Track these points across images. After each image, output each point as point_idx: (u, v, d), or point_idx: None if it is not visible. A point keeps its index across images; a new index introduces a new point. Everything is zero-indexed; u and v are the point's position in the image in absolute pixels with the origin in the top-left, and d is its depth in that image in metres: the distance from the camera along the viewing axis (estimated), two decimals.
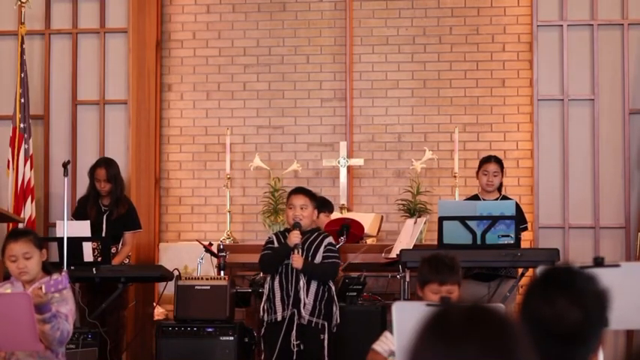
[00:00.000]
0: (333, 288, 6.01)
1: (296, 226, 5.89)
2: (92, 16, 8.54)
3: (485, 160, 7.13)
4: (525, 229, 7.35)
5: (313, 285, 5.88)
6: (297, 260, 5.82)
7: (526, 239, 7.78)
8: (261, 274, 6.63)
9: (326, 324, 5.88)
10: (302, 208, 5.93)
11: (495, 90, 8.37)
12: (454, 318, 1.62)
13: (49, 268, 4.69)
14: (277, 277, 5.92)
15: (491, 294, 6.74)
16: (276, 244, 5.99)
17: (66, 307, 4.48)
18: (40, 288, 4.28)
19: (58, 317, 4.38)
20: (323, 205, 7.19)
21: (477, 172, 7.17)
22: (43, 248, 4.65)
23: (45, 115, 8.44)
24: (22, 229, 5.88)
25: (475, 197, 7.14)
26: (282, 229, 6.38)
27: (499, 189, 7.15)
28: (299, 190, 6.11)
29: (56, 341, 4.42)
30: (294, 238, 5.85)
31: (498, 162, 7.10)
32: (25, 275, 4.54)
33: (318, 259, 5.92)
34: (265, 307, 5.94)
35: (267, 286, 5.98)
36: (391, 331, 4.19)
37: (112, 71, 8.48)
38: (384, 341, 4.40)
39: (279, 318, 5.85)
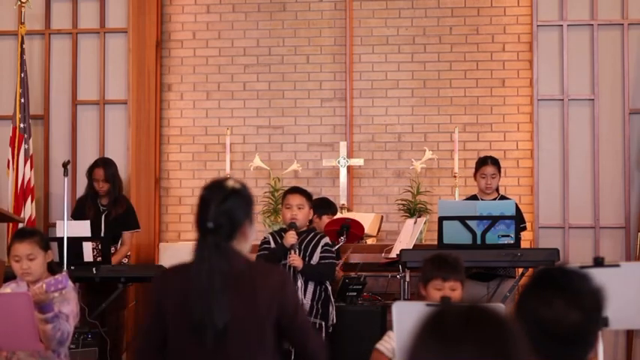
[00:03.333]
0: (330, 288, 6.00)
1: (291, 226, 5.85)
2: (92, 16, 8.54)
3: (482, 163, 7.11)
4: (524, 228, 7.35)
5: (310, 285, 5.87)
6: (296, 260, 5.80)
7: (526, 239, 7.78)
8: None
9: (323, 324, 5.88)
10: (299, 208, 5.91)
11: (495, 90, 8.37)
12: (452, 318, 1.62)
13: (54, 268, 4.70)
14: None
15: (490, 294, 6.74)
16: (272, 244, 5.95)
17: (67, 308, 4.48)
18: (41, 286, 4.28)
19: (59, 318, 4.38)
20: (326, 206, 7.18)
21: (475, 174, 7.17)
22: (48, 249, 4.64)
23: (45, 115, 8.45)
24: (28, 228, 5.86)
25: (474, 197, 7.14)
26: (277, 229, 6.36)
27: (497, 189, 7.16)
28: (295, 190, 6.07)
29: (55, 341, 4.41)
30: (291, 238, 5.81)
31: (495, 164, 7.09)
32: (28, 276, 4.55)
33: (315, 259, 5.90)
34: None
35: None
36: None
37: (112, 71, 8.49)
38: (387, 341, 4.40)
39: None
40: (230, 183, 3.43)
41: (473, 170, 7.28)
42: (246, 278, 3.20)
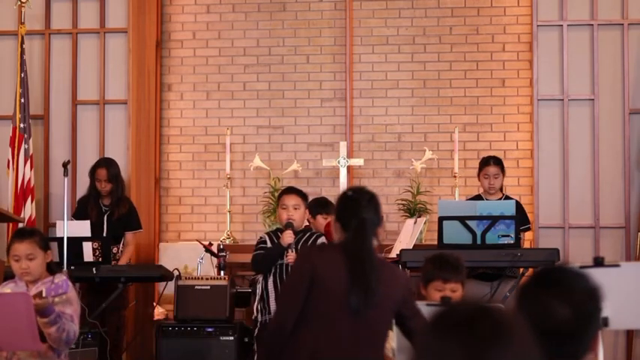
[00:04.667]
0: None
1: (288, 225, 5.82)
2: (92, 16, 8.54)
3: (485, 164, 7.11)
4: (528, 229, 7.35)
5: None
6: (293, 258, 5.77)
7: (526, 239, 7.79)
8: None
9: None
10: (295, 208, 5.88)
11: (495, 90, 8.37)
12: (456, 319, 1.62)
13: (53, 268, 4.70)
14: (270, 277, 5.85)
15: (492, 294, 6.74)
16: (268, 244, 5.92)
17: (70, 308, 4.48)
18: (41, 292, 4.28)
19: (62, 318, 4.38)
20: (320, 206, 7.12)
21: (478, 174, 7.17)
22: (48, 249, 4.64)
23: (45, 115, 8.45)
24: (28, 228, 5.86)
25: (478, 197, 7.15)
26: (274, 229, 6.34)
27: (501, 189, 7.16)
28: (291, 190, 6.03)
29: (63, 342, 4.42)
30: (288, 238, 5.78)
31: (498, 164, 7.09)
32: (27, 276, 4.55)
33: None
34: (259, 307, 5.88)
35: (259, 286, 5.91)
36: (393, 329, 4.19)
37: (112, 71, 8.49)
38: (387, 340, 4.39)
39: None
40: (369, 189, 4.04)
41: (473, 170, 7.29)
42: (384, 267, 3.93)
